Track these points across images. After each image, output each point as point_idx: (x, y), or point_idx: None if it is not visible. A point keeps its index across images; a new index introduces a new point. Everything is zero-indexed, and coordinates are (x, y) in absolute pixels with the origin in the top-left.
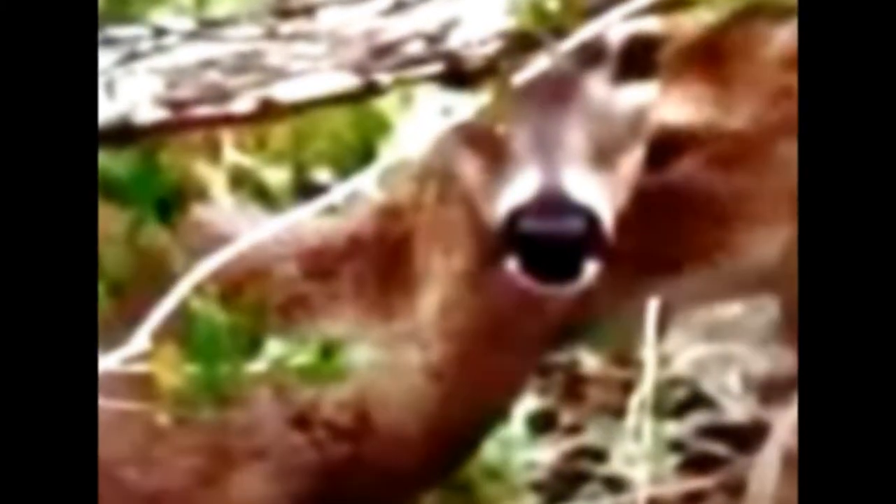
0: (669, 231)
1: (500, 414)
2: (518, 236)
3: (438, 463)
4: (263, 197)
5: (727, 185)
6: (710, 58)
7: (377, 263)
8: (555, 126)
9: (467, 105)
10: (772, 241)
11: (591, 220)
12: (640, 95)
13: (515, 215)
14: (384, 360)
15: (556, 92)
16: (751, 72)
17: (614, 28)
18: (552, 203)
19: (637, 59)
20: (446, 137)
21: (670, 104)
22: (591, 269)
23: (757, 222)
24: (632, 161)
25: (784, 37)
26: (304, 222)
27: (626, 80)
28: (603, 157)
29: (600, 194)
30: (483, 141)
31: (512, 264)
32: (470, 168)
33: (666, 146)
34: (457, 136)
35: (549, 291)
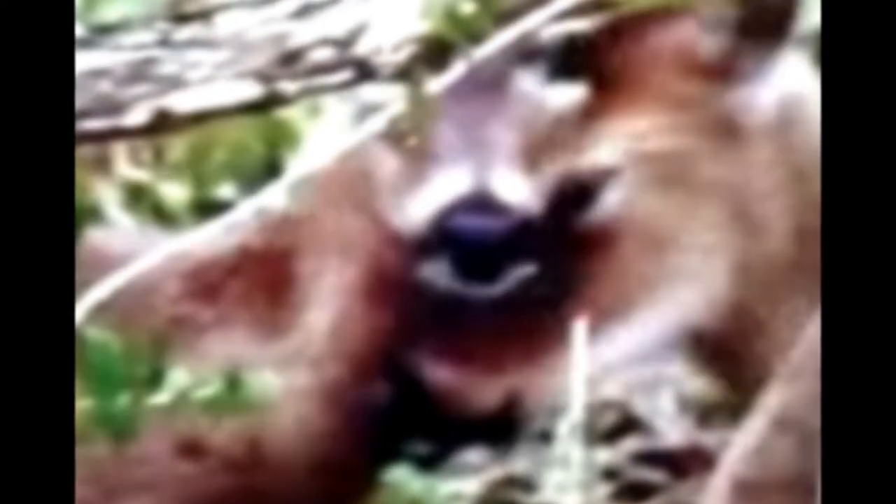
0: (605, 271)
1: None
2: (445, 236)
3: (331, 498)
4: (161, 214)
5: (663, 208)
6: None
7: (265, 277)
8: (484, 123)
9: (380, 113)
10: (711, 270)
11: (522, 221)
12: (571, 95)
13: (443, 215)
14: (276, 384)
15: (486, 89)
16: (648, 83)
17: (546, 27)
18: (481, 202)
19: (569, 59)
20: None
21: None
22: (521, 272)
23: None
24: (559, 165)
25: (670, 39)
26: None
27: (557, 80)
28: (532, 157)
29: (530, 196)
30: (403, 141)
31: (436, 267)
32: (387, 169)
33: (588, 182)
34: (373, 138)
35: (474, 293)
